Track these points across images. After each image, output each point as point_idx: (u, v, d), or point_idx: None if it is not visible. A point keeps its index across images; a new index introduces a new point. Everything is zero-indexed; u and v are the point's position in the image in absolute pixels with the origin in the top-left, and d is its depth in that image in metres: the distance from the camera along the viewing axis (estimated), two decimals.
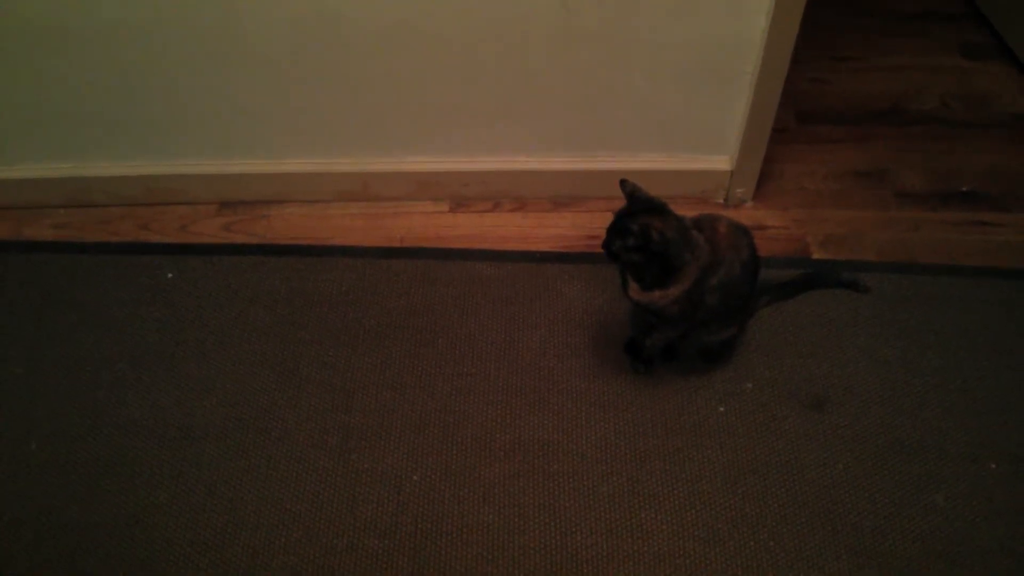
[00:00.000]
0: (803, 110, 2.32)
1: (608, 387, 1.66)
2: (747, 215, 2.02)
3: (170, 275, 1.86)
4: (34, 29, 1.72)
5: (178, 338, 1.75)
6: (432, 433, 1.60)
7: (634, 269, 1.47)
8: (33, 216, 2.02)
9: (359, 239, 1.97)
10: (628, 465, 1.55)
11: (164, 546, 1.44)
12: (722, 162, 1.99)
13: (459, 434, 1.59)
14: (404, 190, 2.04)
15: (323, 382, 1.67)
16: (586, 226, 2.00)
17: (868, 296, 1.81)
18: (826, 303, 1.80)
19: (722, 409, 1.63)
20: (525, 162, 1.99)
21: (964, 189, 2.10)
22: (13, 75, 1.80)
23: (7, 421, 1.61)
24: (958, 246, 1.96)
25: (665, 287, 1.44)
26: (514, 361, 1.71)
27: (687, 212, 1.98)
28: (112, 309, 1.80)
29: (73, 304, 1.81)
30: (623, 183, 1.47)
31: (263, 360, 1.71)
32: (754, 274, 1.55)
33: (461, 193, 2.06)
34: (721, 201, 2.05)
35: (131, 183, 2.01)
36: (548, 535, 1.46)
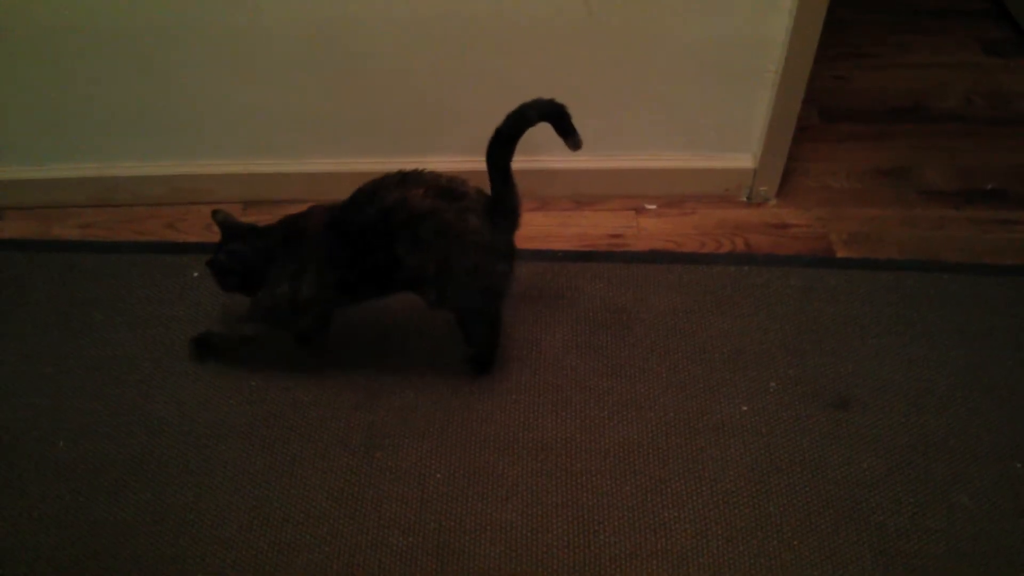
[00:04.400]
0: (826, 108, 2.32)
1: (631, 386, 1.66)
2: (771, 213, 2.02)
3: (196, 274, 1.87)
4: (59, 30, 1.75)
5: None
6: (455, 431, 1.60)
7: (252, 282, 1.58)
8: (60, 215, 2.04)
9: None
10: (651, 464, 1.55)
11: (190, 543, 1.45)
12: (745, 160, 1.99)
13: (482, 432, 1.60)
14: None
15: (347, 380, 1.68)
16: (608, 225, 1.99)
17: (892, 295, 1.80)
18: (849, 302, 1.79)
19: (745, 408, 1.62)
20: (547, 161, 1.99)
21: (988, 187, 2.09)
22: (39, 76, 1.83)
23: (35, 419, 1.62)
24: (982, 244, 1.94)
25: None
26: (537, 360, 1.71)
27: (709, 210, 2.01)
28: (138, 308, 1.81)
29: (100, 303, 1.82)
30: (214, 213, 1.60)
31: (288, 358, 1.71)
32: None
33: None
34: (744, 199, 2.05)
35: (157, 183, 2.02)
36: (571, 533, 1.46)
